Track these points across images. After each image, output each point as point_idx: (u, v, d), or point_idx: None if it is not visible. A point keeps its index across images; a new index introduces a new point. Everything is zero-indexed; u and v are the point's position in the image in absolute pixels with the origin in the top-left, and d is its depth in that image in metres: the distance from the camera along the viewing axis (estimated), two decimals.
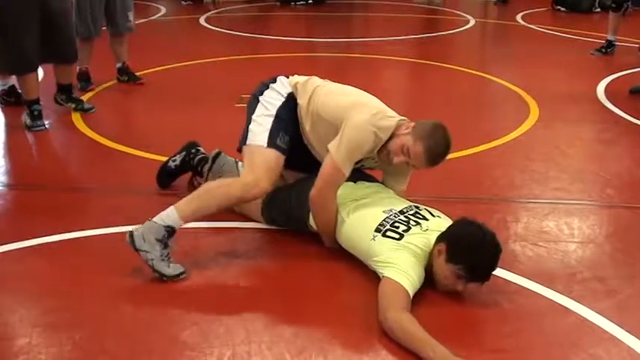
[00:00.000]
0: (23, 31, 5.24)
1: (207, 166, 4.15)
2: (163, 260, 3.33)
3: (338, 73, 7.46)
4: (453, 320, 3.13)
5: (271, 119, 3.63)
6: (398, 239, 3.27)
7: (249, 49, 9.02)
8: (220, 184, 3.60)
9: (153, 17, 10.91)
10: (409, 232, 3.31)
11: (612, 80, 7.35)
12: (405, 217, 3.41)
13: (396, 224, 3.35)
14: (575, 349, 2.91)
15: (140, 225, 3.36)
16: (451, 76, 7.75)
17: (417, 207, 3.53)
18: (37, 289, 3.32)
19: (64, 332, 2.94)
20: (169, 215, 3.39)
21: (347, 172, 3.45)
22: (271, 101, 3.69)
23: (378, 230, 3.34)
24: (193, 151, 4.30)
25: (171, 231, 3.37)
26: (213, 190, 3.50)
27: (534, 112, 6.18)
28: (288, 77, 3.81)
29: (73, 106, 5.90)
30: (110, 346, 2.87)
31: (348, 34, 10.35)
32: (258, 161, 3.54)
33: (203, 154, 4.27)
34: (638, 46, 8.21)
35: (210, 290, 3.34)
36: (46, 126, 5.54)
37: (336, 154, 3.42)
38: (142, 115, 6.34)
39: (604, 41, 8.71)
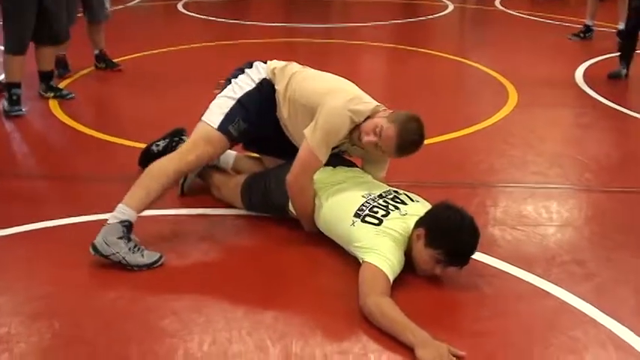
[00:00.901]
0: (25, 13, 5.35)
1: None
2: (135, 252, 3.30)
3: (317, 59, 7.44)
4: (433, 304, 3.14)
5: (232, 102, 3.63)
6: (377, 224, 3.27)
7: (228, 35, 8.97)
8: (157, 164, 3.53)
9: (130, 4, 10.81)
10: (388, 217, 3.31)
11: (590, 65, 7.38)
12: (384, 201, 3.41)
13: (375, 209, 3.35)
14: (555, 332, 2.93)
15: (98, 234, 3.32)
16: (430, 62, 7.75)
17: (396, 191, 3.53)
18: (15, 278, 3.30)
19: (43, 321, 2.92)
20: (121, 211, 3.36)
21: (323, 158, 3.45)
22: (241, 85, 3.68)
23: (357, 215, 3.34)
24: (176, 138, 4.28)
25: (129, 225, 3.34)
26: (151, 173, 3.47)
27: (513, 96, 6.20)
28: (265, 62, 3.79)
29: (52, 94, 5.88)
30: (89, 335, 2.85)
31: (327, 19, 10.31)
32: (200, 138, 3.55)
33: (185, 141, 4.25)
34: (616, 31, 8.25)
35: (189, 277, 3.33)
36: (24, 110, 5.51)
37: (311, 139, 3.41)
38: (120, 102, 6.30)
39: (582, 26, 8.74)
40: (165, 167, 3.48)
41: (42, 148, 5.17)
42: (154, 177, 3.45)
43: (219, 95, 3.68)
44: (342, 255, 3.40)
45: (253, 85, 3.68)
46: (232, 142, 3.67)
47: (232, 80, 3.72)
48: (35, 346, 2.79)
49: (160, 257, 3.35)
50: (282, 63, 3.77)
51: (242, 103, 3.63)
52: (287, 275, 3.37)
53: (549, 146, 5.17)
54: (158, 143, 4.32)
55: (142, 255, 3.32)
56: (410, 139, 3.39)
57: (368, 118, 3.45)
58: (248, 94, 3.66)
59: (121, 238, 3.30)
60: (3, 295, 3.15)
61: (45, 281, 3.25)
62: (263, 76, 3.71)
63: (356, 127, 3.46)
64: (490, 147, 5.09)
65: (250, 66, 3.77)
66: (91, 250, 3.31)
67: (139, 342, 2.81)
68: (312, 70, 3.81)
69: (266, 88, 3.68)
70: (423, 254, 3.19)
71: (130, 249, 3.29)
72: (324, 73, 3.80)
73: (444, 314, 3.09)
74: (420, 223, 3.24)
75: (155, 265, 3.32)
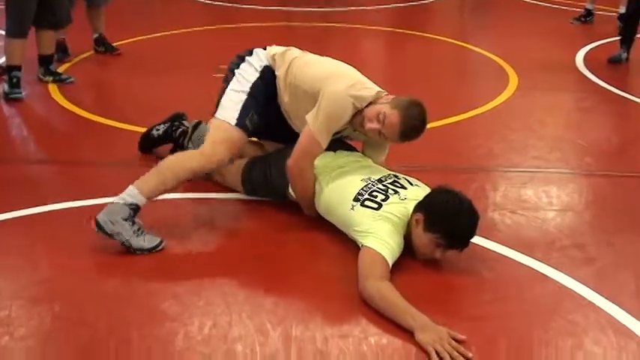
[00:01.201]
0: None
1: (190, 130, 4.13)
2: (138, 236, 3.30)
3: (316, 44, 7.41)
4: (432, 288, 3.14)
5: (244, 96, 3.60)
6: (376, 209, 3.27)
7: (226, 18, 8.95)
8: (178, 157, 3.51)
9: None
10: (387, 201, 3.31)
11: (591, 49, 7.37)
12: (384, 185, 3.41)
13: (374, 193, 3.35)
14: (554, 316, 2.94)
15: (102, 211, 3.32)
16: (430, 46, 7.74)
17: (396, 176, 3.53)
18: (15, 262, 3.30)
19: (43, 305, 2.92)
20: (131, 194, 3.34)
21: (324, 143, 3.44)
22: (246, 76, 3.66)
23: (356, 199, 3.34)
24: (176, 123, 4.27)
25: (136, 209, 3.33)
26: (171, 164, 3.44)
27: (513, 81, 6.19)
28: (265, 49, 3.77)
29: (51, 78, 5.87)
30: (89, 318, 2.85)
31: (326, 2, 10.27)
32: (222, 137, 3.51)
33: (185, 127, 4.24)
34: (617, 15, 8.23)
35: (190, 261, 3.33)
36: (23, 94, 5.51)
37: (313, 125, 3.40)
38: (119, 86, 6.28)
39: (583, 10, 8.72)
40: (187, 164, 3.45)
41: (41, 132, 5.16)
42: (173, 170, 3.42)
43: (227, 89, 3.64)
44: (342, 239, 3.40)
45: (258, 74, 3.66)
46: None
47: (235, 71, 3.69)
48: (35, 329, 2.79)
49: (161, 242, 3.35)
50: (281, 48, 3.75)
51: (253, 94, 3.62)
52: (287, 259, 3.37)
53: (549, 130, 5.17)
54: (158, 127, 4.32)
55: (144, 239, 3.31)
56: (413, 124, 3.38)
57: (370, 104, 3.44)
58: (255, 85, 3.64)
59: (126, 219, 3.29)
60: (3, 279, 3.16)
61: (45, 265, 3.26)
62: (264, 63, 3.69)
63: (358, 113, 3.45)
64: (490, 131, 5.09)
65: (250, 53, 3.75)
66: (94, 226, 3.30)
67: (139, 325, 2.82)
68: (313, 55, 3.79)
69: (267, 75, 3.67)
70: (422, 238, 3.19)
71: (134, 232, 3.29)
72: (325, 58, 3.78)
73: (443, 298, 3.09)
74: (419, 207, 3.24)
75: (156, 250, 3.32)
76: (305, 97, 3.55)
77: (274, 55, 3.69)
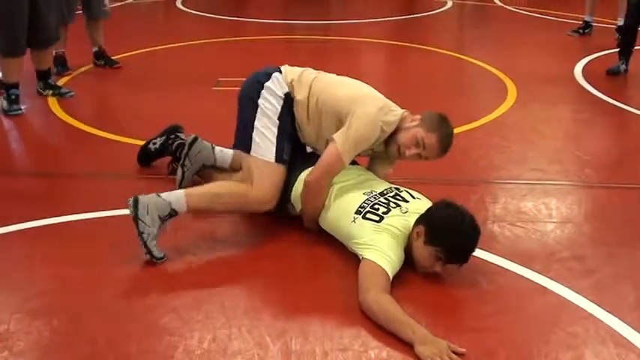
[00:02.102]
0: (16, 16, 5.29)
1: (186, 148, 4.13)
2: (154, 239, 3.33)
3: (318, 57, 7.47)
4: (432, 301, 3.14)
5: (276, 129, 3.61)
6: (378, 221, 3.28)
7: (227, 31, 8.96)
8: (233, 193, 3.56)
9: (129, 0, 10.81)
10: (389, 214, 3.31)
11: (590, 61, 7.38)
12: (385, 199, 3.42)
13: (376, 206, 3.36)
14: (554, 328, 2.93)
15: (147, 195, 3.35)
16: (429, 58, 7.75)
17: (397, 189, 3.54)
18: (14, 275, 3.30)
19: (42, 319, 2.92)
20: (178, 200, 3.40)
21: (347, 163, 3.49)
22: (271, 107, 3.64)
23: (358, 212, 3.34)
24: (172, 136, 4.28)
25: (174, 215, 3.39)
26: (226, 199, 3.53)
27: (512, 93, 6.20)
28: (280, 71, 3.74)
29: (50, 92, 5.87)
30: (88, 333, 2.85)
31: (326, 16, 10.31)
32: (269, 178, 3.55)
33: (182, 139, 4.24)
34: (615, 27, 8.25)
35: (189, 275, 3.33)
36: (23, 110, 5.50)
37: (342, 145, 3.43)
38: (119, 100, 6.29)
39: (581, 22, 8.74)
40: (241, 196, 3.53)
41: (41, 145, 5.16)
42: (224, 199, 3.53)
43: (256, 126, 3.61)
44: (342, 252, 3.40)
45: (282, 102, 3.65)
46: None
47: (259, 102, 3.65)
48: (34, 343, 2.78)
49: (164, 257, 3.36)
50: (296, 71, 3.75)
51: (282, 128, 3.62)
52: (287, 273, 3.36)
53: (549, 142, 5.17)
54: (155, 141, 4.33)
55: (155, 245, 3.34)
56: (450, 141, 3.53)
57: (397, 128, 3.51)
58: (281, 116, 3.63)
59: (161, 219, 3.35)
60: (2, 293, 3.15)
61: (44, 279, 3.25)
62: (285, 90, 3.67)
63: (391, 140, 3.54)
64: (489, 143, 5.09)
65: (268, 77, 3.70)
66: (130, 201, 3.32)
67: (138, 340, 2.81)
68: (328, 74, 3.81)
69: (289, 102, 3.67)
70: (423, 251, 3.19)
71: (156, 234, 3.33)
72: (343, 77, 3.81)
73: (443, 311, 3.09)
74: (420, 220, 3.25)
75: (158, 262, 3.33)
76: (328, 118, 3.59)
77: (292, 81, 3.68)
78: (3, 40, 5.40)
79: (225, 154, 4.06)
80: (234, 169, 4.10)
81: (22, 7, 5.29)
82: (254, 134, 3.61)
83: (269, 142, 3.60)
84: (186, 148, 4.08)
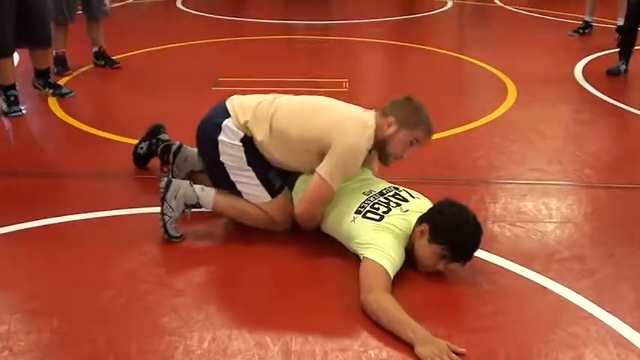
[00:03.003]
0: (1, 16, 5.21)
1: (170, 157, 4.08)
2: (174, 223, 3.48)
3: (318, 57, 7.45)
4: (433, 301, 3.14)
5: (252, 173, 3.55)
6: (378, 220, 3.28)
7: (227, 31, 8.95)
8: (260, 217, 3.59)
9: (129, 0, 10.81)
10: (389, 213, 3.32)
11: (590, 61, 7.38)
12: (385, 198, 3.42)
13: (376, 205, 3.36)
14: (554, 328, 2.93)
15: (180, 181, 3.53)
16: (429, 58, 7.75)
17: (397, 188, 3.54)
18: (14, 276, 3.30)
19: (42, 319, 2.92)
20: (207, 198, 3.56)
21: (337, 188, 3.43)
22: (235, 159, 3.55)
23: (358, 212, 3.35)
24: (154, 141, 4.25)
25: (197, 206, 3.53)
26: (251, 217, 3.61)
27: (512, 93, 6.19)
28: (228, 113, 3.58)
29: (51, 91, 5.85)
30: (88, 333, 2.85)
31: (326, 16, 10.30)
32: (280, 211, 3.59)
33: (165, 141, 4.20)
34: (615, 27, 8.24)
35: (189, 275, 3.33)
36: (23, 111, 5.49)
37: (329, 177, 3.37)
38: (119, 100, 6.29)
39: (581, 22, 8.73)
40: (268, 224, 3.61)
41: (41, 145, 5.17)
42: (248, 216, 3.61)
43: (234, 180, 3.56)
44: (342, 253, 3.40)
45: (242, 150, 3.53)
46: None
47: (221, 159, 3.56)
48: (34, 343, 2.78)
49: (182, 236, 3.54)
50: (247, 107, 3.57)
51: (255, 166, 3.55)
52: (287, 273, 3.36)
53: (549, 142, 5.17)
54: (142, 146, 4.32)
55: (175, 227, 3.52)
56: (429, 120, 3.49)
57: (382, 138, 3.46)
58: (248, 158, 3.54)
59: (186, 206, 3.53)
60: (2, 293, 3.16)
61: (44, 279, 3.25)
62: (241, 135, 3.54)
63: (382, 155, 3.57)
64: (489, 143, 5.09)
65: (218, 129, 3.55)
66: (163, 181, 3.51)
67: (139, 340, 2.81)
68: (284, 100, 3.63)
69: (249, 144, 3.54)
70: (426, 250, 3.19)
71: (177, 218, 3.51)
72: (301, 98, 3.71)
73: (444, 311, 3.09)
74: (424, 219, 3.25)
75: (176, 240, 3.51)
76: (301, 147, 3.50)
77: (246, 122, 3.53)
78: None
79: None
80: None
81: (8, 6, 5.21)
82: (238, 187, 3.59)
83: (254, 187, 3.57)
84: (171, 157, 4.06)
